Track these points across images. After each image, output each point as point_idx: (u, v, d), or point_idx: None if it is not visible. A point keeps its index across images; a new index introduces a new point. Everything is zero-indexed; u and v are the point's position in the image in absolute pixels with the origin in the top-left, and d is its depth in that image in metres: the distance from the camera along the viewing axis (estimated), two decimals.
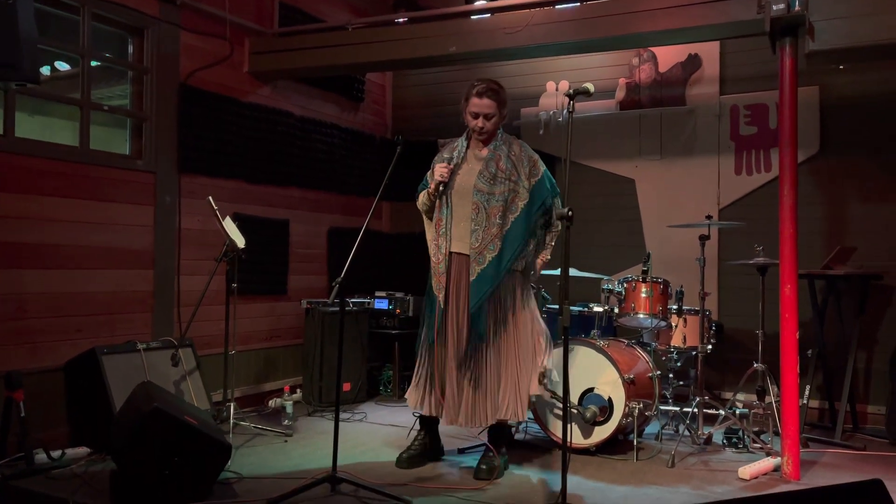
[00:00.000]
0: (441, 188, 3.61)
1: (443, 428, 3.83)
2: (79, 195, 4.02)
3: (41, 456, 3.53)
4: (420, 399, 3.67)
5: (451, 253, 3.61)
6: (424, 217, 3.83)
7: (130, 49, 4.47)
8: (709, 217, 4.30)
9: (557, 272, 4.59)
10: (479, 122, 3.60)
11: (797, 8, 3.51)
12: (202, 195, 4.66)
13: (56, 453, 3.58)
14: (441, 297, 3.61)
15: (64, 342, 3.93)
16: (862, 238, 4.78)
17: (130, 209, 4.29)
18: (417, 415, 3.78)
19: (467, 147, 3.71)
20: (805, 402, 4.38)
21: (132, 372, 3.89)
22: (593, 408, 3.92)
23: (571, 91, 2.92)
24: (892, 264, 4.67)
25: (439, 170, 3.62)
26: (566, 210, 2.83)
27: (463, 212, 3.58)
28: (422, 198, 3.77)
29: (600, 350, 3.98)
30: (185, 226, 4.62)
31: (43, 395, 3.75)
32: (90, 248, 4.07)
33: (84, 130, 4.08)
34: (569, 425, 2.92)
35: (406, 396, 3.78)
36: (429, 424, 3.75)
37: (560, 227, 3.61)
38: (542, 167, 3.68)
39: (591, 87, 2.96)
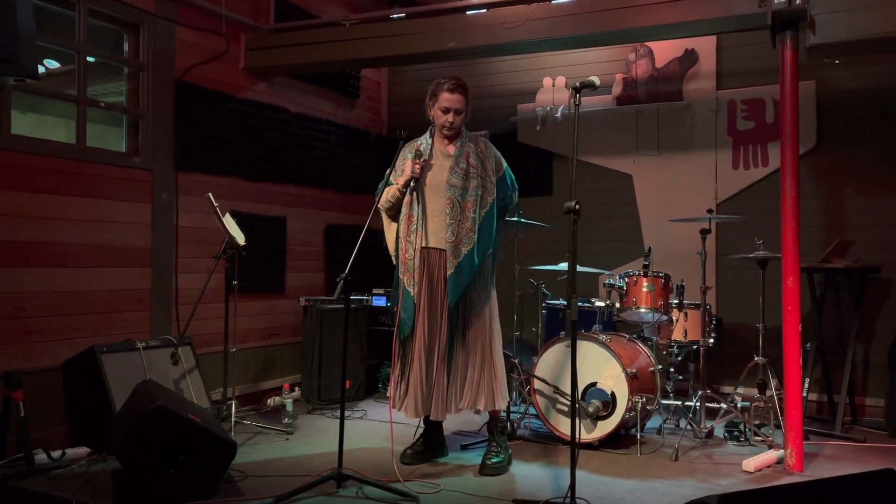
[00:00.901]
0: (412, 184, 3.59)
1: (446, 425, 3.82)
2: (76, 193, 3.97)
3: (41, 456, 3.49)
4: (399, 399, 3.62)
5: (423, 248, 3.59)
6: (384, 216, 3.80)
7: (126, 45, 4.42)
8: (710, 211, 4.30)
9: (557, 268, 4.62)
10: (450, 118, 3.61)
11: (798, 1, 3.52)
12: (199, 192, 4.63)
13: (56, 453, 3.54)
14: (414, 292, 3.59)
15: (62, 341, 3.89)
16: (859, 231, 4.80)
17: (128, 207, 4.25)
18: (398, 410, 3.74)
19: (432, 145, 3.69)
20: (804, 394, 4.39)
21: (132, 371, 3.85)
22: (596, 402, 3.92)
23: (578, 84, 2.91)
24: (889, 257, 4.70)
25: (410, 165, 3.59)
26: (573, 203, 2.82)
27: (436, 206, 3.57)
28: (386, 195, 3.69)
29: (603, 345, 3.98)
30: (183, 223, 4.58)
31: (41, 394, 3.70)
32: (87, 246, 4.03)
33: (81, 127, 4.04)
34: (577, 420, 2.90)
35: (388, 396, 3.73)
36: (432, 422, 3.73)
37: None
38: (504, 164, 3.73)
39: (596, 80, 2.96)
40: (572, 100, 2.92)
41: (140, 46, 4.40)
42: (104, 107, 4.33)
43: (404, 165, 3.63)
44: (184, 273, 4.57)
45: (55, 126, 5.27)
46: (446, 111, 3.61)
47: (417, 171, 3.56)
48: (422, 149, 3.66)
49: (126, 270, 4.24)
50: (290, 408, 4.57)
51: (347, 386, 5.10)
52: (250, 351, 5.02)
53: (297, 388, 5.00)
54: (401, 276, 3.66)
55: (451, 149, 3.66)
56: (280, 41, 5.02)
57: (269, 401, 4.94)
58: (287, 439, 4.12)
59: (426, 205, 3.59)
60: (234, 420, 4.13)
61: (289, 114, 5.40)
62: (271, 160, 5.23)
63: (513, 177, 3.75)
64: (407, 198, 3.63)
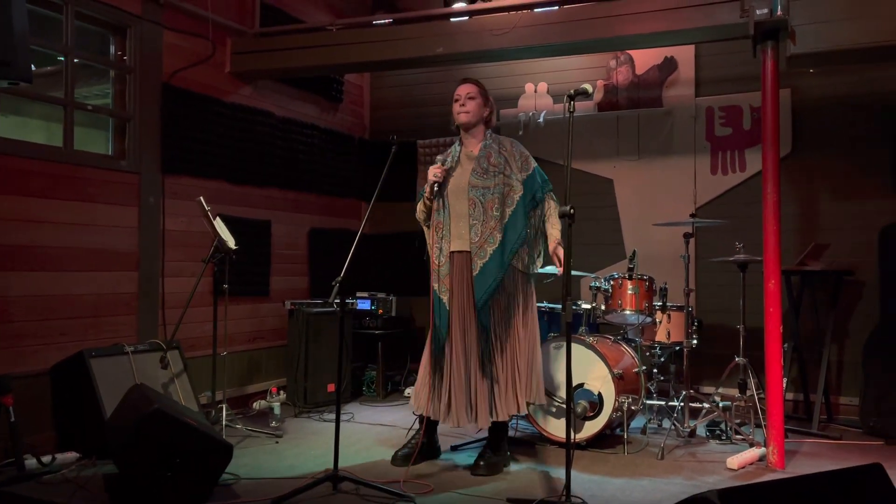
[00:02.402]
0: (436, 188, 3.65)
1: (441, 427, 3.86)
2: (63, 196, 3.95)
3: (31, 461, 3.47)
4: (426, 403, 3.66)
5: (451, 253, 3.64)
6: (424, 228, 3.85)
7: (112, 48, 4.40)
8: (693, 215, 4.41)
9: (543, 271, 4.69)
10: (461, 104, 3.68)
11: (779, 12, 3.63)
12: (186, 196, 4.62)
13: (46, 458, 3.51)
14: (446, 298, 3.63)
15: (49, 345, 3.86)
16: (833, 235, 4.95)
17: (115, 210, 4.23)
18: (418, 414, 3.79)
19: (460, 151, 3.76)
20: None
21: (120, 375, 3.84)
22: (584, 403, 4.00)
23: (572, 92, 2.97)
24: (862, 260, 4.85)
25: (432, 171, 3.66)
26: (568, 208, 2.89)
27: (460, 210, 3.62)
28: (419, 206, 3.80)
29: (590, 346, 4.05)
30: (169, 227, 4.57)
31: (28, 399, 3.67)
32: (75, 249, 4.00)
33: (68, 131, 4.01)
34: (571, 421, 2.97)
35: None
36: (428, 424, 3.77)
37: (557, 223, 3.64)
38: (534, 163, 3.74)
39: (589, 87, 3.04)
40: (567, 107, 2.98)
41: (127, 49, 4.38)
42: (91, 110, 4.31)
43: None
44: (170, 277, 4.55)
45: (36, 129, 5.21)
46: (457, 100, 3.70)
47: (440, 175, 3.61)
48: (450, 157, 3.73)
49: (113, 274, 4.21)
50: (277, 411, 4.58)
51: (331, 389, 5.14)
52: (235, 355, 5.01)
53: (281, 392, 5.01)
54: (433, 283, 3.69)
55: (476, 151, 3.70)
56: (266, 45, 5.03)
57: (254, 404, 4.94)
58: (277, 442, 4.13)
59: (451, 209, 3.64)
60: (225, 423, 4.12)
61: (273, 117, 5.40)
62: (256, 164, 5.24)
63: (545, 177, 3.73)
64: (435, 205, 3.69)
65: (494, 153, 3.66)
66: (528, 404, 3.64)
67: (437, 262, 3.68)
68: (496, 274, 3.53)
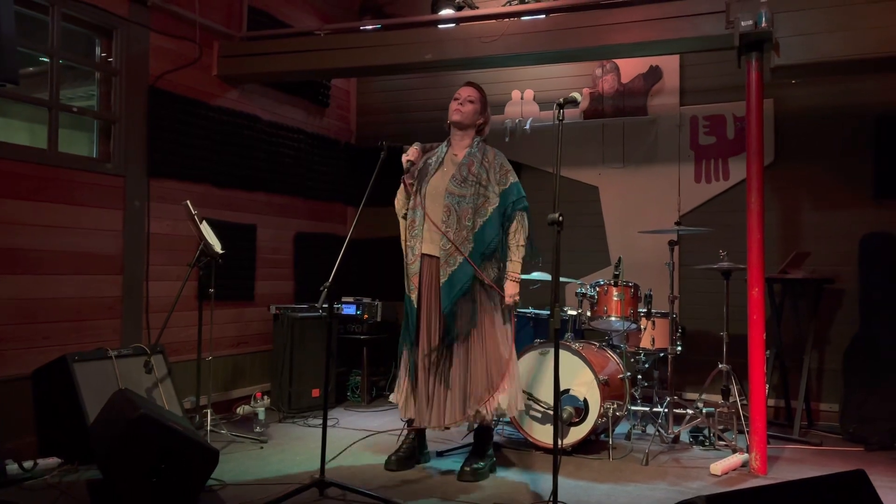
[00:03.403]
0: (409, 166, 3.65)
1: (429, 432, 3.87)
2: (47, 198, 3.90)
3: (12, 466, 3.42)
4: (402, 404, 3.70)
5: (423, 255, 3.64)
6: (400, 220, 3.86)
7: (98, 50, 4.37)
8: (678, 223, 4.45)
9: (529, 277, 4.71)
10: (456, 104, 3.71)
11: (764, 24, 3.69)
12: (171, 199, 4.60)
13: (28, 463, 3.47)
14: (414, 297, 3.65)
15: (31, 349, 3.81)
16: (814, 243, 5.02)
17: (99, 213, 4.19)
18: (406, 419, 3.79)
19: (446, 152, 3.77)
20: None
21: (104, 380, 3.80)
22: (570, 409, 4.02)
23: (561, 100, 3.00)
24: (842, 269, 4.92)
25: (407, 152, 3.69)
26: (557, 215, 2.90)
27: (435, 214, 3.62)
28: (399, 195, 3.79)
29: (576, 352, 4.08)
30: (154, 230, 4.53)
31: (10, 403, 3.63)
32: (58, 252, 3.96)
33: (53, 133, 3.98)
34: (558, 427, 2.98)
35: (391, 400, 3.80)
36: (419, 428, 3.77)
37: (522, 246, 3.65)
38: (513, 178, 3.69)
39: (578, 95, 3.06)
40: (556, 115, 3.00)
41: (113, 51, 4.35)
42: (77, 112, 4.27)
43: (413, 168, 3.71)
44: (155, 280, 4.52)
45: (19, 130, 5.15)
46: (456, 99, 3.73)
47: (412, 156, 3.65)
48: (435, 157, 3.74)
49: (97, 278, 4.18)
50: (262, 416, 4.56)
51: (315, 394, 5.13)
52: (219, 359, 4.97)
53: (266, 397, 4.99)
54: (405, 281, 3.72)
55: (461, 156, 3.71)
56: (253, 49, 5.02)
57: (238, 409, 4.93)
58: (262, 448, 4.11)
59: (427, 212, 3.64)
60: (209, 429, 4.09)
61: (260, 121, 5.39)
62: (242, 168, 5.22)
63: (522, 194, 3.69)
64: (411, 202, 3.70)
65: (476, 163, 3.65)
66: (498, 414, 3.62)
67: (408, 262, 3.70)
68: (463, 282, 3.53)
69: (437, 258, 3.60)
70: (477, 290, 3.58)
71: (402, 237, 3.81)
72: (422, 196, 3.66)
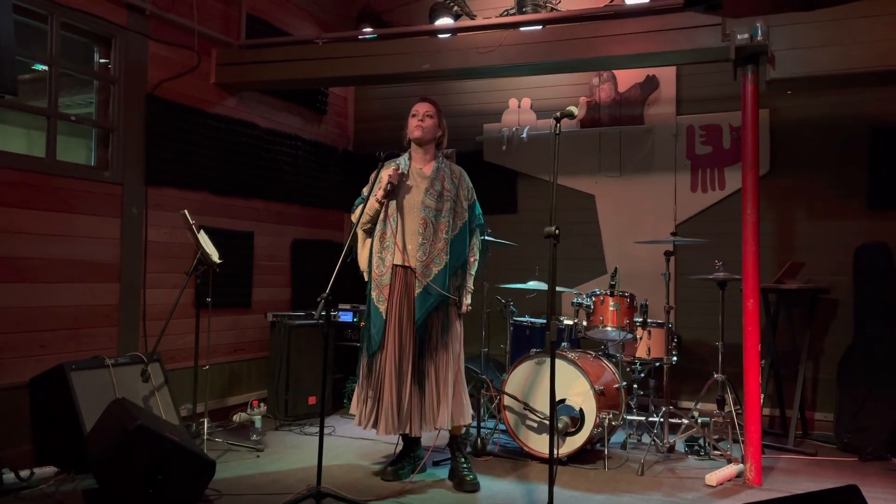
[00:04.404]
0: (389, 187, 3.65)
1: (423, 441, 3.88)
2: (44, 207, 3.91)
3: (9, 475, 3.43)
4: (364, 414, 3.66)
5: (394, 265, 3.66)
6: (359, 232, 3.82)
7: (97, 57, 4.38)
8: (674, 234, 4.47)
9: (525, 286, 4.73)
10: (416, 121, 3.75)
11: (759, 38, 3.71)
12: (169, 207, 4.61)
13: (24, 473, 3.47)
14: (383, 308, 3.67)
15: (28, 358, 3.82)
16: (809, 254, 5.04)
17: (97, 221, 4.20)
18: (364, 427, 3.78)
19: (409, 166, 3.79)
20: None
21: (101, 388, 3.80)
22: (565, 418, 4.03)
23: (558, 114, 3.02)
24: (837, 279, 4.95)
25: (387, 174, 3.67)
26: (553, 228, 2.92)
27: (411, 226, 3.66)
28: (365, 209, 3.69)
29: (572, 362, 4.09)
30: (152, 238, 4.54)
31: (6, 412, 3.63)
32: (55, 260, 3.96)
33: (51, 141, 3.98)
34: (554, 438, 3.00)
35: (351, 412, 3.77)
36: (410, 438, 3.79)
37: (477, 260, 3.84)
38: (474, 196, 3.86)
39: (575, 109, 3.08)
40: (553, 129, 3.02)
41: (112, 60, 4.36)
42: (75, 120, 4.28)
43: (381, 179, 3.69)
44: (152, 288, 4.53)
45: (16, 136, 5.15)
46: (414, 116, 3.78)
47: (395, 178, 3.65)
48: (400, 169, 3.74)
49: (94, 286, 4.18)
50: (258, 424, 4.56)
51: (312, 402, 5.13)
52: (216, 366, 4.98)
53: (262, 404, 4.99)
54: (371, 292, 3.72)
55: (428, 170, 3.75)
56: (251, 57, 5.03)
57: (234, 417, 4.92)
58: (258, 456, 4.12)
59: (402, 224, 3.67)
60: (206, 437, 4.10)
61: (258, 128, 5.40)
62: (240, 175, 5.23)
63: (479, 211, 3.88)
64: (382, 214, 3.70)
65: (447, 178, 3.75)
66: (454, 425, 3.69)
67: (377, 273, 3.71)
68: (438, 294, 3.60)
69: (409, 268, 3.64)
70: (449, 302, 3.66)
71: (364, 253, 3.82)
72: (397, 209, 3.69)
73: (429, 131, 3.76)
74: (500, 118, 6.02)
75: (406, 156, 3.83)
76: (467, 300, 3.77)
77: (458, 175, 3.81)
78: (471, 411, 3.74)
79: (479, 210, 3.87)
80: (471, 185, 3.86)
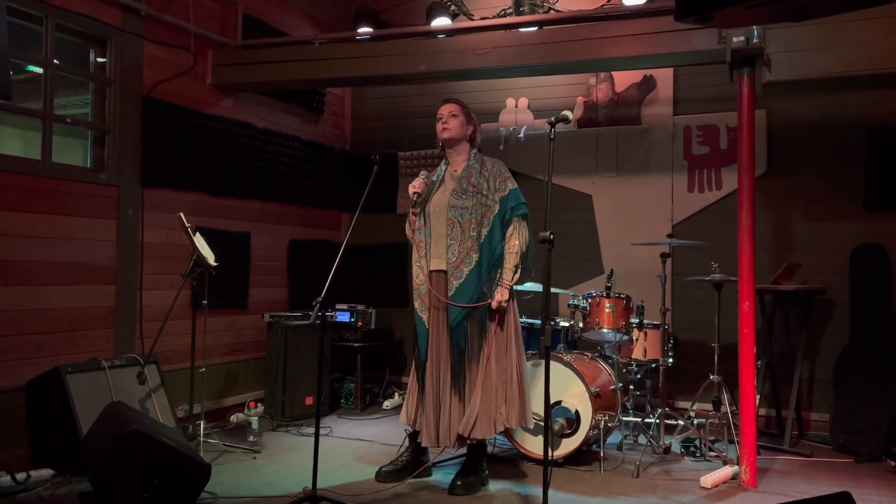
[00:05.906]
0: (416, 198, 3.68)
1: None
2: (40, 209, 3.91)
3: (5, 478, 3.43)
4: (412, 416, 3.73)
5: (431, 272, 3.67)
6: (413, 243, 3.86)
7: (92, 59, 4.37)
8: (670, 236, 4.47)
9: (522, 288, 4.73)
10: (441, 124, 3.75)
11: (755, 41, 3.71)
12: (165, 208, 4.60)
13: (21, 476, 3.48)
14: (426, 318, 3.68)
15: (24, 361, 3.82)
16: (806, 254, 5.05)
17: (93, 223, 4.20)
18: (408, 430, 3.83)
19: (446, 170, 3.81)
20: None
21: (97, 391, 3.81)
22: (561, 420, 4.04)
23: (553, 119, 3.02)
24: (833, 279, 4.95)
25: (412, 184, 3.72)
26: (548, 233, 2.92)
27: (439, 230, 3.67)
28: (408, 226, 3.84)
29: (568, 364, 4.10)
30: (148, 240, 4.54)
31: (2, 415, 3.63)
32: (51, 263, 3.96)
33: (47, 143, 3.98)
34: (549, 440, 3.00)
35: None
36: (417, 440, 3.79)
37: (515, 253, 3.67)
38: (512, 185, 3.73)
39: (570, 114, 3.08)
40: (548, 133, 3.02)
41: (107, 61, 4.35)
42: (70, 122, 4.27)
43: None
44: (148, 290, 4.52)
45: (12, 137, 5.16)
46: (440, 119, 3.77)
47: (417, 186, 3.68)
48: (436, 175, 3.80)
49: (90, 288, 4.18)
50: (255, 425, 4.57)
51: (309, 402, 5.14)
52: (213, 367, 4.99)
53: (259, 405, 5.00)
54: (414, 302, 3.76)
55: (460, 170, 3.76)
56: (248, 58, 5.02)
57: (231, 417, 4.93)
58: (255, 458, 4.12)
59: (431, 229, 3.69)
60: (203, 438, 4.11)
61: (254, 129, 5.40)
62: (237, 175, 5.22)
63: (521, 200, 3.72)
64: (417, 223, 3.74)
65: (475, 173, 3.71)
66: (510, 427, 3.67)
67: (417, 281, 3.72)
68: (472, 294, 3.57)
69: (444, 272, 3.63)
70: (485, 308, 3.60)
71: (413, 261, 3.81)
72: (426, 215, 3.72)
73: (456, 131, 3.75)
74: (498, 118, 6.01)
75: (444, 160, 3.86)
76: (499, 296, 3.59)
77: (489, 167, 3.74)
78: (495, 426, 3.59)
79: (518, 199, 3.69)
80: (506, 173, 3.75)
